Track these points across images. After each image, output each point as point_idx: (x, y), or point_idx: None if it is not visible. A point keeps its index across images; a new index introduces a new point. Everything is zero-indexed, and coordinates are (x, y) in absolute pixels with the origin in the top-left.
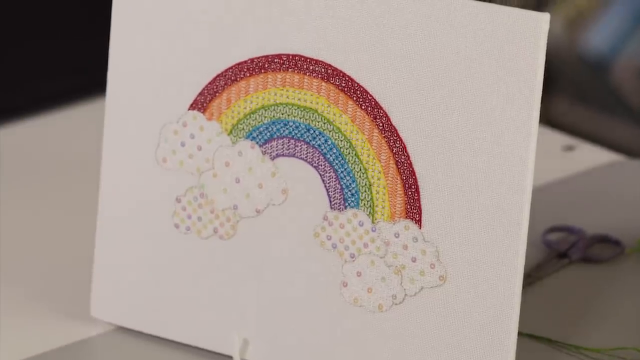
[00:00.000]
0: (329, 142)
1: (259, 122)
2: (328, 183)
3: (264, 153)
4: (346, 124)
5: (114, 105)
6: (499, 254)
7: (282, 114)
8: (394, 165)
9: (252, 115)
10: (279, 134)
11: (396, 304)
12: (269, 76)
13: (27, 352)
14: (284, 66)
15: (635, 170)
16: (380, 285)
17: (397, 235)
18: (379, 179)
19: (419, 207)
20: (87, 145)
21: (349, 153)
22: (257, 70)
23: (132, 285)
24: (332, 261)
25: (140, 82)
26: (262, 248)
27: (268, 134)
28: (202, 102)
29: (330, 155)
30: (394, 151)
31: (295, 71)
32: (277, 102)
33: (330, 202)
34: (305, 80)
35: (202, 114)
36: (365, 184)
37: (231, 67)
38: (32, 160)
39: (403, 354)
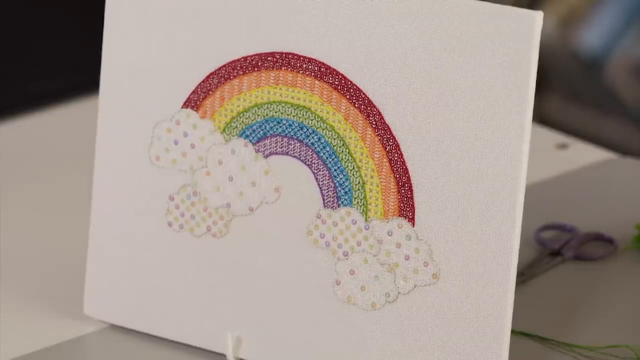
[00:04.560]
0: (322, 140)
1: (252, 120)
2: (321, 181)
3: (257, 151)
4: (339, 122)
5: (107, 103)
6: (492, 252)
7: (275, 112)
8: (387, 164)
9: (245, 114)
10: (272, 132)
11: (389, 302)
12: (262, 74)
13: (20, 350)
14: (277, 64)
15: (628, 168)
16: (374, 283)
17: (390, 233)
18: (372, 177)
19: (412, 205)
20: (80, 143)
21: (342, 151)
22: (250, 68)
23: (125, 283)
24: (325, 259)
25: (134, 80)
26: (255, 246)
27: (261, 132)
28: (195, 101)
29: (324, 154)
30: (387, 149)
31: (289, 69)
32: (270, 100)
33: (324, 200)
34: (299, 78)
35: (195, 112)
36: (359, 182)
37: (224, 65)
38: (26, 159)
39: (396, 352)
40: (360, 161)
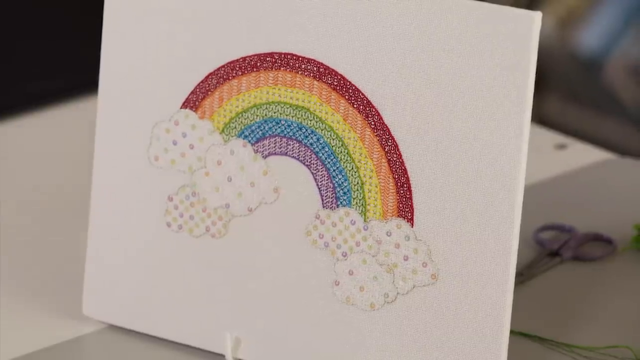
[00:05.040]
0: (321, 141)
1: (251, 120)
2: (320, 181)
3: (255, 152)
4: (338, 122)
5: (106, 103)
6: (491, 252)
7: (274, 113)
8: (386, 164)
9: (244, 114)
10: (271, 133)
11: (388, 303)
12: (261, 75)
13: (19, 350)
14: (276, 65)
15: (627, 168)
16: (373, 283)
17: (389, 234)
18: (370, 177)
19: (411, 205)
20: (80, 143)
21: (341, 152)
22: (249, 68)
23: (124, 284)
24: (324, 260)
25: (132, 80)
26: (254, 247)
27: (260, 132)
28: (194, 101)
29: (322, 154)
30: (386, 150)
31: (287, 70)
32: (269, 100)
33: (322, 200)
34: (297, 78)
35: (194, 113)
36: (357, 183)
37: (223, 66)
38: (25, 159)
39: (395, 352)
40: (359, 161)
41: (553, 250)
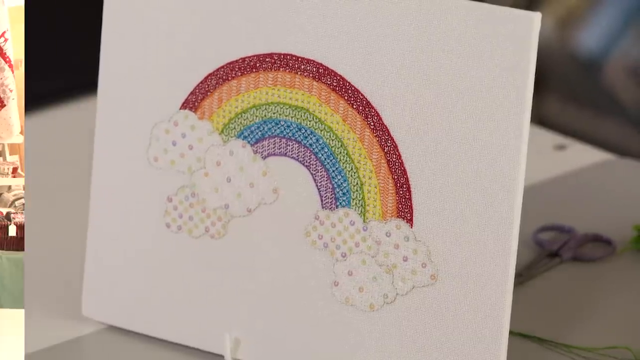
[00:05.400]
0: (321, 142)
1: (250, 121)
2: (319, 182)
3: (255, 152)
4: (337, 123)
5: (106, 104)
6: (490, 253)
7: (274, 113)
8: (386, 165)
9: (243, 115)
10: (270, 133)
11: (388, 303)
12: (260, 75)
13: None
14: (275, 65)
15: (626, 169)
16: (372, 284)
17: (388, 235)
18: (370, 178)
19: (411, 206)
20: (80, 144)
21: (341, 152)
22: (248, 69)
23: (124, 285)
24: (324, 260)
25: (132, 81)
26: (254, 247)
27: (259, 133)
28: (193, 102)
29: (322, 155)
30: (385, 150)
31: (287, 70)
32: (269, 101)
33: (322, 201)
34: (297, 79)
35: (193, 113)
36: (357, 183)
37: (222, 67)
38: (25, 159)
39: (395, 353)
40: (358, 162)
41: (552, 251)
